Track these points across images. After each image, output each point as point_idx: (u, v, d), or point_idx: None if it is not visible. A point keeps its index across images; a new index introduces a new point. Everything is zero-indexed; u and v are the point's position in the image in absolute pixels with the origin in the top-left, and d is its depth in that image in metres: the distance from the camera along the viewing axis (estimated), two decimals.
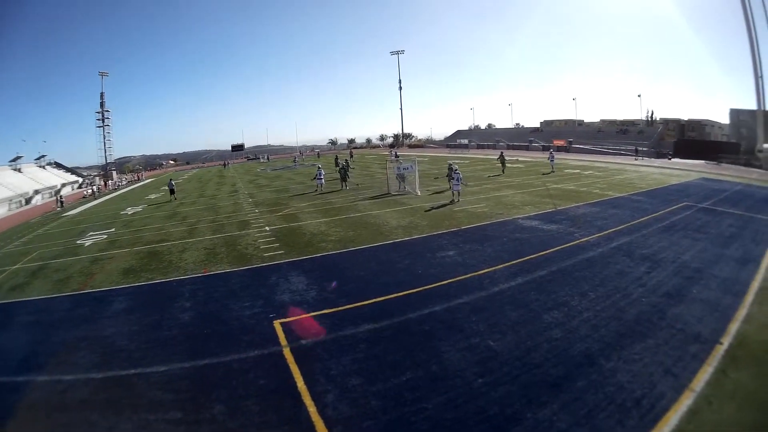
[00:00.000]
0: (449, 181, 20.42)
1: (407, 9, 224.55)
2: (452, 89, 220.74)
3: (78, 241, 17.35)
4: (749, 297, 7.70)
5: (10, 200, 36.51)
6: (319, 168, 26.46)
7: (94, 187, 46.12)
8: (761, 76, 36.83)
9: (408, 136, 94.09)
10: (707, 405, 4.78)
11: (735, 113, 44.61)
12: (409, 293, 8.49)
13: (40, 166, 53.67)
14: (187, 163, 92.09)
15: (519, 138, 66.08)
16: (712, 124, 50.26)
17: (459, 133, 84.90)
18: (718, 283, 8.38)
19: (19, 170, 47.06)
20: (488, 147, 63.13)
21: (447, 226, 14.10)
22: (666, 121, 54.30)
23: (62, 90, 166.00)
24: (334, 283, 9.42)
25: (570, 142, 53.18)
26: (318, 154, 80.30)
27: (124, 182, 55.72)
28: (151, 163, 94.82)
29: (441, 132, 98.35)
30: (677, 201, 16.98)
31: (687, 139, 47.18)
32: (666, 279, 8.67)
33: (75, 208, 32.12)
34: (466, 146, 65.18)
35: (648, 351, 5.94)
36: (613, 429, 4.46)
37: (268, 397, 5.41)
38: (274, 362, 6.26)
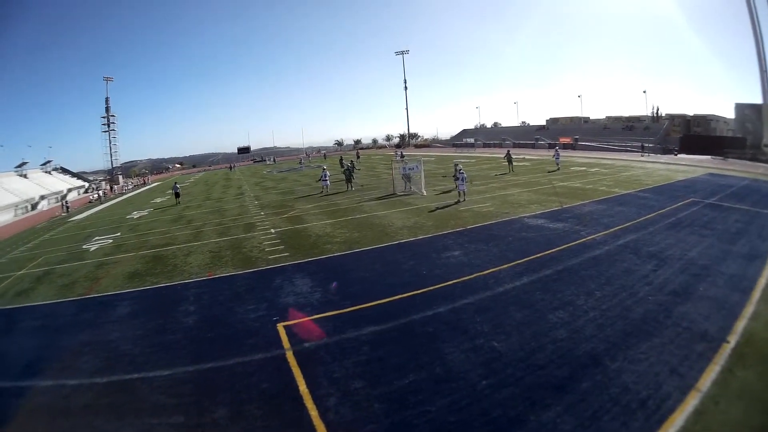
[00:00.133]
0: (455, 180, 20.41)
1: (410, 9, 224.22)
2: (457, 89, 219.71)
3: (83, 246, 17.47)
4: (756, 294, 7.60)
5: (16, 206, 36.77)
6: (324, 170, 26.48)
7: (100, 192, 46.47)
8: (766, 70, 36.33)
9: (414, 136, 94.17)
10: (714, 405, 4.70)
11: (740, 108, 44.13)
12: (413, 294, 8.46)
13: (45, 172, 54.04)
14: (194, 167, 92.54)
15: (525, 136, 65.82)
16: (718, 119, 49.79)
17: (465, 132, 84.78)
18: (725, 280, 8.27)
19: (25, 176, 47.41)
20: (494, 146, 62.93)
21: (452, 226, 14.05)
22: (671, 117, 53.89)
23: (67, 95, 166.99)
24: (334, 284, 9.45)
25: (576, 140, 52.86)
26: (324, 155, 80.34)
27: (130, 186, 56.13)
28: (158, 167, 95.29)
29: (447, 131, 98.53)
30: (684, 197, 16.81)
31: (693, 134, 46.75)
32: (673, 276, 8.57)
33: (81, 213, 32.40)
34: (472, 145, 65.16)
35: (654, 350, 5.86)
36: (618, 431, 4.40)
37: (270, 401, 5.40)
38: (277, 366, 6.25)
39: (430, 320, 7.26)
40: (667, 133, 49.62)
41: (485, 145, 65.45)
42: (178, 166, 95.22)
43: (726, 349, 5.81)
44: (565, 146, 48.29)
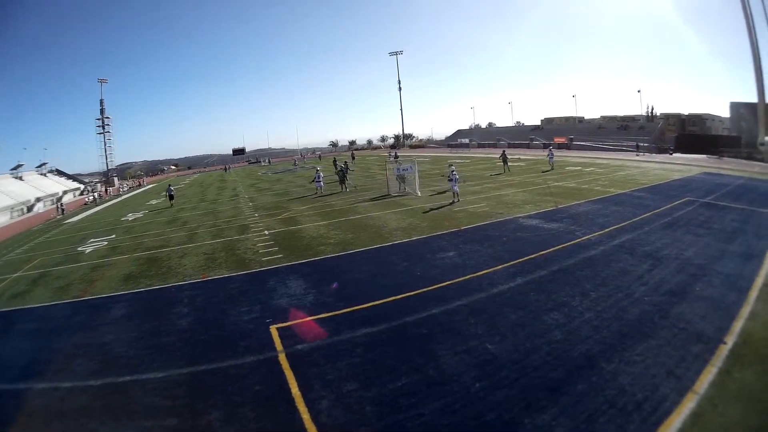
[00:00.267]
0: (449, 181, 20.38)
1: (406, 10, 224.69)
2: (452, 89, 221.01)
3: (79, 248, 17.34)
4: (753, 293, 7.57)
5: (12, 208, 36.60)
6: (317, 171, 26.38)
7: (95, 194, 46.24)
8: (761, 69, 36.52)
9: (409, 136, 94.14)
10: (711, 407, 4.65)
11: (735, 107, 44.39)
12: (407, 296, 8.39)
13: (41, 174, 53.85)
14: (189, 168, 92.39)
15: (520, 136, 66.02)
16: (713, 118, 50.08)
17: (460, 133, 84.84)
18: (721, 280, 8.25)
19: (21, 178, 47.23)
20: (489, 146, 63.10)
21: (447, 226, 14.00)
22: (666, 116, 54.16)
23: (63, 97, 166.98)
24: (335, 284, 9.39)
25: (571, 139, 52.99)
26: (319, 156, 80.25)
27: (125, 188, 55.89)
28: (153, 168, 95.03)
29: (442, 132, 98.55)
30: (679, 196, 16.82)
31: (688, 133, 46.98)
32: (669, 276, 8.54)
33: (76, 215, 32.19)
34: (467, 145, 65.17)
35: (650, 352, 5.82)
36: None
37: (263, 404, 5.34)
38: (270, 368, 6.18)
39: (424, 322, 7.20)
40: (662, 133, 49.82)
41: (480, 146, 65.64)
42: (174, 167, 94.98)
43: (723, 350, 5.76)
44: (560, 146, 48.36)
